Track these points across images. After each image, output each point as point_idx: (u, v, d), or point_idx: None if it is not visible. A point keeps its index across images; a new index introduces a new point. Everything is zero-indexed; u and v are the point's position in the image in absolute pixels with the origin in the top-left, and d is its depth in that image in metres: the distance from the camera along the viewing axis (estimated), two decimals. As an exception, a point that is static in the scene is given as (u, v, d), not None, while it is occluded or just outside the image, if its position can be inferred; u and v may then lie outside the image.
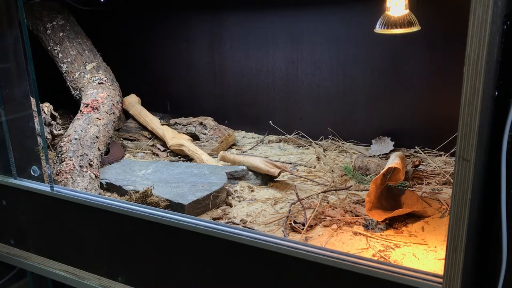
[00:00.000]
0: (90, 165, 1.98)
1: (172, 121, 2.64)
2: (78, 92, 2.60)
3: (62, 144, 2.05)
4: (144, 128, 2.64)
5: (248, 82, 2.65)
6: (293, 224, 1.63)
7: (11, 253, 1.88)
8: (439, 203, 1.75)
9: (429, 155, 2.17)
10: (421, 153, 2.19)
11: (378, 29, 1.81)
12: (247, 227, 1.64)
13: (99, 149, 2.12)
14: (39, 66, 1.69)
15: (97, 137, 2.16)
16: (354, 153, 2.29)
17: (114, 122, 2.40)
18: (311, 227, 1.62)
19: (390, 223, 1.60)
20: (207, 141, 2.45)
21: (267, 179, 2.05)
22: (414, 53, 2.17)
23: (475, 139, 0.88)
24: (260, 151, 2.45)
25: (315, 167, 2.18)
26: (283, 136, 2.57)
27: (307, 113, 2.52)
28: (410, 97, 2.24)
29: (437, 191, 1.85)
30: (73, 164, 1.91)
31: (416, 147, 2.24)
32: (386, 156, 2.20)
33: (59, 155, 1.99)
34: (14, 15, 1.73)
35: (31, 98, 1.80)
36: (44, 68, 2.75)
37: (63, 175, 1.86)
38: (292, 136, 2.54)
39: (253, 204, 1.85)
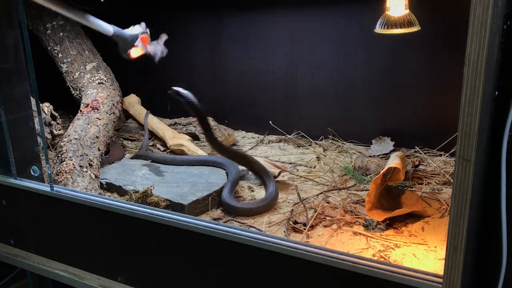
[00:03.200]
0: (90, 165, 1.97)
1: (172, 121, 2.64)
2: (78, 92, 2.59)
3: (62, 144, 2.05)
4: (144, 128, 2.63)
5: (248, 82, 2.64)
6: (293, 224, 1.63)
7: (11, 253, 1.88)
8: (439, 203, 1.75)
9: (429, 155, 2.17)
10: (421, 153, 2.19)
11: (378, 29, 1.81)
12: (247, 227, 1.64)
13: (99, 149, 2.12)
14: (39, 66, 1.69)
15: (97, 137, 2.15)
16: (354, 153, 2.28)
17: (114, 122, 2.40)
18: (311, 227, 1.62)
19: (390, 223, 1.60)
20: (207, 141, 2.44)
21: (267, 179, 2.05)
22: (414, 53, 2.17)
23: (475, 139, 0.88)
24: (260, 151, 2.44)
25: (315, 167, 2.18)
26: (283, 136, 2.56)
27: (307, 113, 2.52)
28: (410, 97, 2.23)
29: (437, 191, 1.85)
30: (73, 164, 1.91)
31: (416, 147, 2.24)
32: (386, 156, 2.20)
33: (59, 155, 1.99)
34: (14, 15, 1.73)
35: (31, 98, 1.80)
36: (44, 68, 2.75)
37: (63, 175, 1.86)
38: (292, 136, 2.54)
39: (253, 204, 1.85)
